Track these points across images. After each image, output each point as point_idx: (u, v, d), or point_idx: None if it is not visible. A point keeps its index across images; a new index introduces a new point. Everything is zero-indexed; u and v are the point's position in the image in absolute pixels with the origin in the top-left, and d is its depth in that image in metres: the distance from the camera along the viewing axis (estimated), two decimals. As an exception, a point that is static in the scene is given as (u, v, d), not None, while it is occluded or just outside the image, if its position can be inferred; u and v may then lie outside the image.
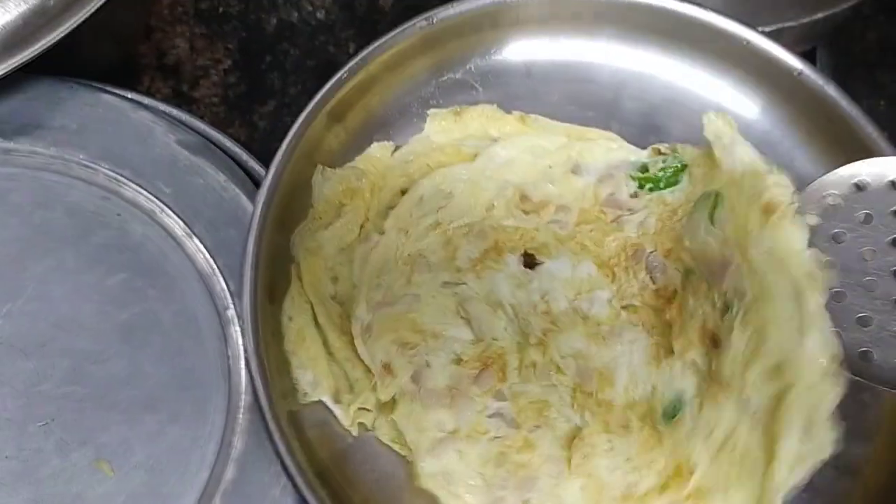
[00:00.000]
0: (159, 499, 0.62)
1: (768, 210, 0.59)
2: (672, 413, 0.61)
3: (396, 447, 0.62)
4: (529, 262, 0.65)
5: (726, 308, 0.60)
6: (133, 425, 0.63)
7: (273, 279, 0.63)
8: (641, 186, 0.68)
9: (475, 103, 0.72)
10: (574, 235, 0.66)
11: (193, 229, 0.68)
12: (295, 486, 0.56)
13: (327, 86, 0.66)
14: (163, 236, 0.68)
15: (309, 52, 0.93)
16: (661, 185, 0.68)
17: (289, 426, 0.58)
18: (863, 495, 0.61)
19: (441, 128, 0.71)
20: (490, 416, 0.61)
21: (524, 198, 0.67)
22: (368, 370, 0.62)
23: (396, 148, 0.70)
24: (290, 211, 0.65)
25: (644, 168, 0.69)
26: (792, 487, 0.54)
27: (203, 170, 0.69)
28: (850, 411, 0.55)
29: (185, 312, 0.67)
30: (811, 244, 0.58)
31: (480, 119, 0.71)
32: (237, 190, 0.69)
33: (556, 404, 0.61)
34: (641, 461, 0.60)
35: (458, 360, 0.62)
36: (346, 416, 0.61)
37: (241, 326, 0.57)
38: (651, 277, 0.65)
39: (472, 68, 0.73)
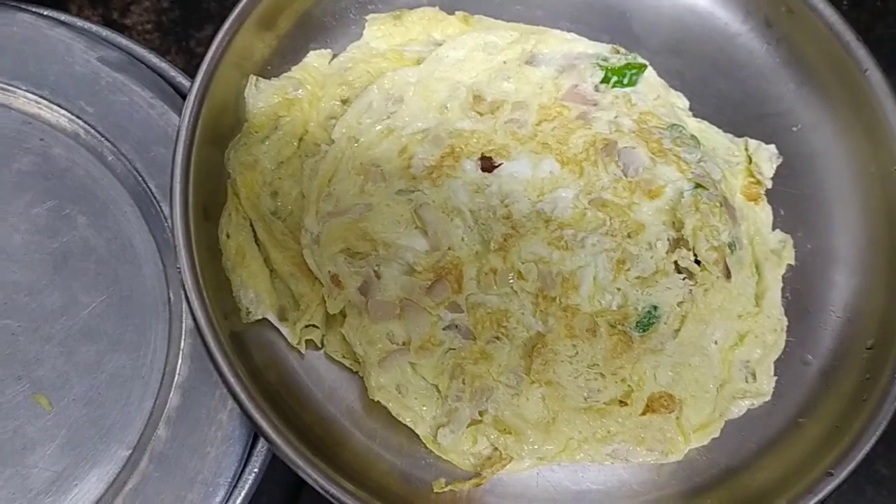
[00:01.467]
0: (102, 430, 0.59)
1: (750, 196, 0.64)
2: (647, 323, 0.59)
3: (348, 363, 0.59)
4: (487, 165, 0.62)
5: (732, 246, 0.61)
6: (70, 357, 0.60)
7: (207, 196, 0.59)
8: (606, 80, 0.65)
9: (416, 6, 0.68)
10: (535, 135, 0.63)
11: (121, 150, 0.64)
12: (243, 409, 0.54)
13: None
14: (90, 159, 0.64)
15: (245, -28, 0.88)
16: (625, 81, 0.65)
17: (232, 348, 0.55)
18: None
19: (381, 33, 0.67)
20: (445, 328, 0.59)
21: (478, 98, 0.64)
22: (315, 285, 0.59)
23: (334, 56, 0.67)
24: (222, 125, 0.61)
25: (605, 60, 0.66)
26: (735, 415, 0.60)
27: (128, 87, 0.65)
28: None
29: (119, 238, 0.63)
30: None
31: (422, 22, 0.67)
32: (165, 107, 0.65)
33: (515, 313, 0.59)
34: (607, 367, 0.58)
35: (411, 271, 0.59)
36: (292, 334, 0.59)
37: (173, 245, 0.54)
38: (623, 171, 0.62)
39: (412, -32, 0.69)
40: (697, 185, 0.62)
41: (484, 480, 0.57)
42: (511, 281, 0.59)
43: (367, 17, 0.67)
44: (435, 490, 0.56)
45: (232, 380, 0.53)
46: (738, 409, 0.60)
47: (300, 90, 0.64)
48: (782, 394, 0.61)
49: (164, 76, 0.68)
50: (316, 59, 0.66)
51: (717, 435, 0.59)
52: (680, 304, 0.60)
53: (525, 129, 0.63)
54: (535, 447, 0.56)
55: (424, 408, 0.58)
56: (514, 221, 0.60)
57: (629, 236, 0.61)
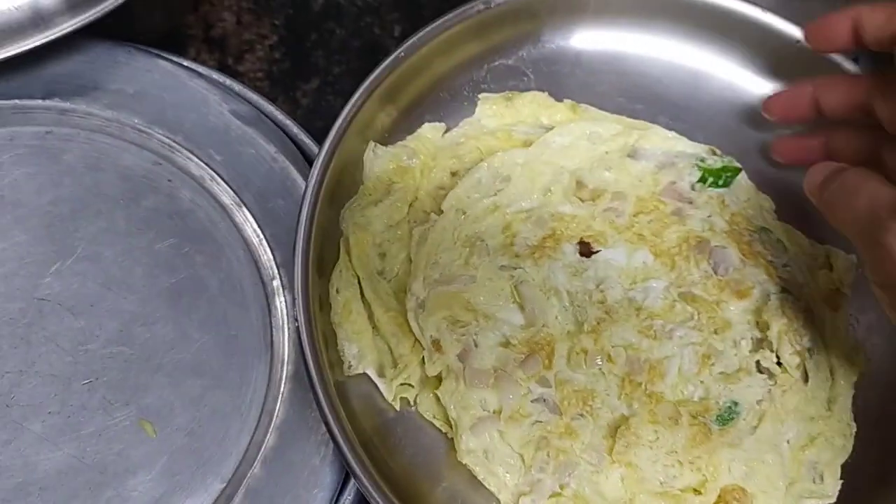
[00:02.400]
0: (200, 461, 0.62)
1: (832, 304, 0.65)
2: (726, 417, 0.62)
3: (438, 423, 0.62)
4: (586, 250, 0.66)
5: (811, 351, 0.63)
6: (177, 388, 0.64)
7: (322, 253, 0.63)
8: (703, 180, 0.68)
9: (525, 90, 0.73)
10: (631, 225, 0.66)
11: (242, 198, 0.69)
12: (340, 452, 0.57)
13: (383, 64, 0.66)
14: (212, 204, 0.69)
15: (354, 33, 0.94)
16: (720, 182, 0.68)
17: (335, 396, 0.59)
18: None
19: (492, 112, 0.71)
20: (533, 401, 0.62)
21: (580, 185, 0.68)
22: (413, 346, 0.63)
23: (447, 130, 0.71)
24: (340, 186, 0.66)
25: (703, 161, 0.69)
26: None
27: (254, 140, 0.70)
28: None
29: (230, 280, 0.68)
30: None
31: (531, 105, 0.72)
32: (287, 162, 0.70)
33: (601, 394, 0.62)
34: (685, 456, 0.61)
35: (507, 343, 0.62)
36: (389, 390, 0.62)
37: (292, 297, 0.58)
38: (714, 269, 0.65)
39: (524, 55, 0.73)
40: (783, 290, 0.65)
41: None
42: (599, 363, 0.62)
43: (480, 97, 0.72)
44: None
45: (334, 424, 0.57)
46: None
47: (414, 159, 0.68)
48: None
49: (288, 133, 0.73)
50: (430, 131, 0.70)
51: None
52: (759, 402, 0.62)
53: (622, 218, 0.67)
54: None
55: (508, 475, 0.60)
56: (607, 307, 0.64)
57: (715, 332, 0.64)
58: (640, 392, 0.62)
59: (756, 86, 0.73)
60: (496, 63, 0.73)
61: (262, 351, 0.66)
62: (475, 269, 0.64)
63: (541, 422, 0.61)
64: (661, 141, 0.70)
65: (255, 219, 0.69)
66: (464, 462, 0.60)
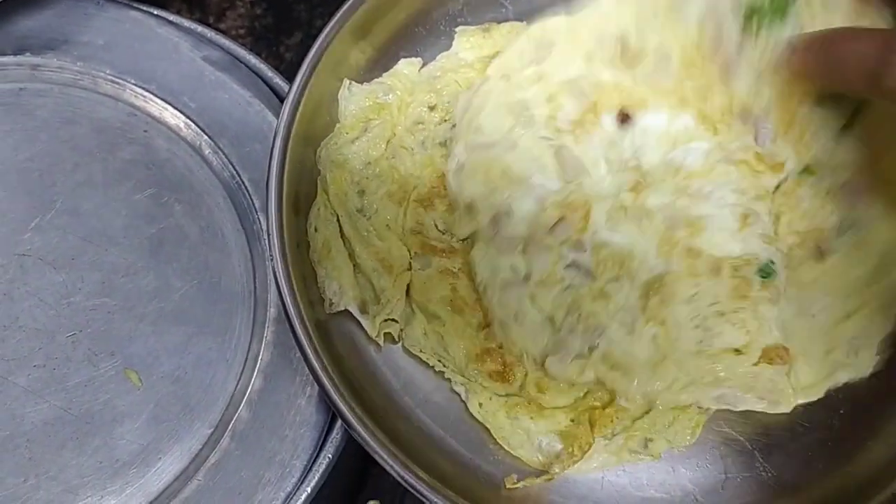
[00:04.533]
0: (186, 408, 0.62)
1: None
2: (767, 272, 0.60)
3: (425, 357, 0.61)
4: (624, 119, 0.64)
5: (839, 229, 0.61)
6: (161, 337, 0.64)
7: (298, 192, 0.62)
8: (749, 18, 0.60)
9: (504, 21, 0.71)
10: (675, 89, 0.63)
11: (219, 144, 0.68)
12: (324, 391, 0.56)
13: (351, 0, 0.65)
14: (189, 152, 0.68)
15: (336, -16, 0.92)
16: (770, 18, 0.60)
17: (317, 335, 0.58)
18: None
19: (470, 45, 0.69)
20: (566, 267, 0.60)
21: (624, 48, 0.64)
22: (396, 280, 0.62)
23: (424, 65, 0.69)
24: (315, 125, 0.64)
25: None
26: (833, 385, 0.60)
27: (228, 85, 0.69)
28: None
29: (211, 227, 0.67)
30: None
31: (510, 36, 0.69)
32: (262, 105, 0.69)
33: (639, 255, 0.60)
34: (728, 306, 0.59)
35: (541, 210, 0.61)
36: (372, 327, 0.61)
37: (267, 237, 0.57)
38: (756, 140, 0.62)
39: (502, -15, 0.71)
40: (804, 170, 0.62)
41: (553, 476, 0.59)
42: (641, 219, 0.61)
43: (457, 30, 0.70)
44: (507, 486, 0.58)
45: (315, 364, 0.56)
46: (839, 379, 0.60)
47: (390, 95, 0.67)
48: (851, 417, 0.62)
49: (263, 77, 0.71)
50: (406, 67, 0.69)
51: (820, 395, 0.59)
52: (785, 268, 0.61)
53: (667, 81, 0.63)
54: (642, 385, 0.58)
55: (535, 335, 0.59)
56: (643, 171, 0.62)
57: (756, 198, 0.62)
58: (680, 248, 0.60)
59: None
60: (473, -3, 0.71)
61: (245, 296, 0.65)
62: (518, 138, 0.63)
63: (573, 286, 0.60)
64: None
65: (232, 164, 0.68)
66: (492, 323, 0.60)
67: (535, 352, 0.60)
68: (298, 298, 0.57)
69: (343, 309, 0.61)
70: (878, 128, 0.60)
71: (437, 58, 0.69)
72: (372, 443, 0.54)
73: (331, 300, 0.61)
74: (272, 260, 0.58)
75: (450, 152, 0.64)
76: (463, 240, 0.64)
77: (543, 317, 0.60)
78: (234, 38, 0.90)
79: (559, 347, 0.59)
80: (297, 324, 0.57)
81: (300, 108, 0.62)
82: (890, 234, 0.61)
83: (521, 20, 0.70)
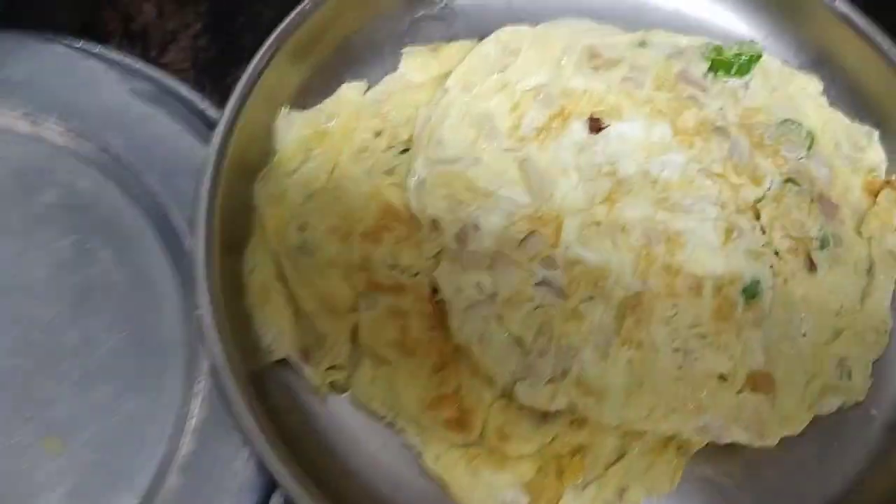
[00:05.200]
0: (112, 477, 0.55)
1: (872, 191, 0.62)
2: (752, 291, 0.57)
3: (375, 406, 0.55)
4: (595, 126, 0.61)
5: (824, 241, 0.60)
6: (84, 397, 0.57)
7: (233, 230, 0.57)
8: (713, 69, 0.64)
9: (452, 39, 0.66)
10: (651, 99, 0.62)
11: (148, 183, 0.62)
12: (259, 454, 0.50)
13: (287, 19, 0.60)
14: (116, 192, 0.62)
15: (284, 12, 0.88)
16: (733, 70, 0.64)
17: (251, 389, 0.52)
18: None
19: (417, 65, 0.65)
20: (536, 284, 0.56)
21: (594, 55, 0.63)
22: (340, 323, 0.56)
23: (369, 88, 0.64)
24: (250, 156, 0.59)
25: (719, 51, 0.64)
26: (825, 411, 0.57)
27: (158, 118, 0.63)
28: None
29: (141, 273, 0.61)
30: None
31: (459, 55, 0.65)
32: (195, 139, 0.63)
33: (614, 272, 0.56)
34: (710, 328, 0.56)
35: (510, 224, 0.58)
36: (315, 375, 0.55)
37: (193, 282, 0.51)
38: (730, 154, 0.61)
39: (449, 3, 0.67)
40: (788, 180, 0.61)
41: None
42: (613, 235, 0.58)
43: (403, 51, 0.65)
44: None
45: (249, 422, 0.50)
46: (830, 405, 0.57)
47: (332, 122, 0.62)
48: (845, 450, 0.57)
49: (196, 108, 0.66)
50: (349, 91, 0.64)
51: (804, 426, 0.56)
52: (771, 287, 0.58)
53: (641, 90, 0.62)
54: (617, 411, 0.54)
55: (502, 359, 0.55)
56: (619, 179, 0.59)
57: (738, 211, 0.60)
58: (658, 266, 0.57)
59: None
60: (419, 14, 0.66)
61: (177, 348, 0.59)
62: (481, 152, 0.60)
63: (543, 305, 0.56)
64: (666, 36, 0.65)
65: (163, 203, 0.62)
66: (459, 343, 0.55)
67: (503, 377, 0.55)
68: (229, 347, 0.52)
69: (282, 357, 0.55)
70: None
71: (383, 80, 0.65)
72: (313, 509, 0.48)
73: (269, 348, 0.55)
74: (199, 308, 0.52)
75: (409, 168, 0.60)
76: (414, 275, 0.58)
77: (511, 338, 0.56)
78: (178, 73, 0.86)
79: (529, 371, 0.55)
80: (227, 378, 0.51)
81: (233, 139, 0.57)
82: (862, 250, 0.60)
83: (473, 38, 0.66)
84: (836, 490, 0.56)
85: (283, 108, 0.61)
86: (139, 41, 0.87)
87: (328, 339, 0.56)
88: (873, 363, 0.58)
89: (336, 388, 0.56)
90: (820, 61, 0.66)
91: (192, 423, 0.56)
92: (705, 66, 0.64)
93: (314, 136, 0.61)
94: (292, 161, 0.60)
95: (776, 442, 0.55)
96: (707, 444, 0.55)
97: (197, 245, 0.53)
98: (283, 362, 0.55)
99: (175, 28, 0.87)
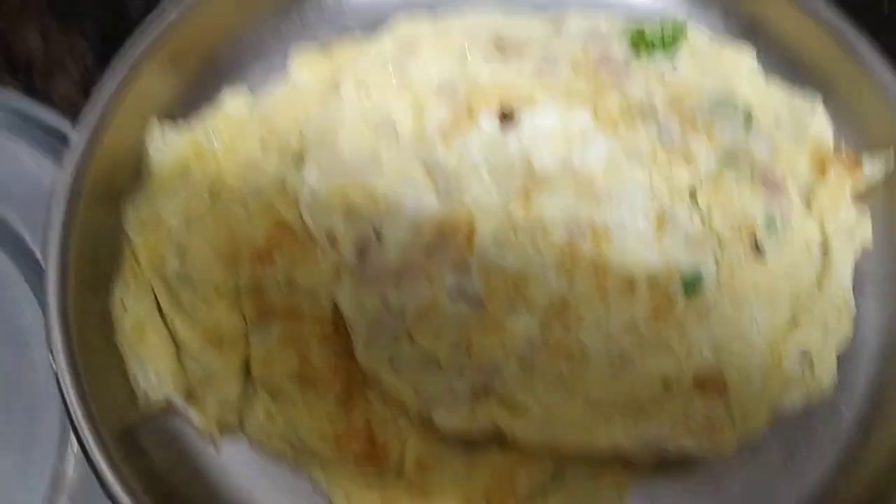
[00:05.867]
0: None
1: (820, 164, 0.56)
2: (693, 285, 0.52)
3: (273, 445, 0.49)
4: (507, 119, 0.55)
5: (769, 222, 0.54)
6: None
7: (97, 264, 0.50)
8: (635, 46, 0.58)
9: (344, 32, 0.60)
10: (568, 86, 0.56)
11: (5, 216, 0.55)
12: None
13: (155, 18, 0.54)
14: (-28, 233, 0.56)
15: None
16: (657, 49, 0.58)
17: (122, 449, 0.46)
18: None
19: (307, 67, 0.58)
20: (450, 297, 0.50)
21: (502, 43, 0.57)
22: (230, 360, 0.50)
23: (253, 96, 0.58)
24: (116, 180, 0.53)
25: (640, 30, 0.59)
26: (788, 410, 0.52)
27: (9, 148, 0.57)
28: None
29: (4, 316, 0.54)
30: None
31: (353, 52, 0.59)
32: (55, 165, 0.57)
33: (536, 277, 0.51)
34: (647, 330, 0.50)
35: (417, 233, 0.52)
36: (202, 418, 0.48)
37: (45, 329, 0.45)
38: (659, 138, 0.56)
39: (341, -4, 0.61)
40: (725, 161, 0.55)
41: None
42: (533, 237, 0.52)
43: (290, 51, 0.59)
44: None
45: (117, 491, 0.43)
46: (792, 403, 0.52)
47: (213, 137, 0.56)
48: (813, 453, 0.52)
49: (56, 130, 0.59)
50: (231, 101, 0.57)
51: (764, 429, 0.51)
52: (715, 278, 0.53)
53: (555, 78, 0.56)
54: (546, 428, 0.48)
55: (417, 383, 0.49)
56: (536, 174, 0.53)
57: (670, 198, 0.54)
58: (584, 265, 0.51)
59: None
60: (306, 7, 0.60)
61: (49, 400, 0.52)
62: (381, 157, 0.54)
63: (460, 318, 0.50)
64: (582, 18, 0.60)
65: (23, 236, 0.55)
66: (366, 367, 0.49)
67: (418, 403, 0.49)
68: (95, 402, 0.45)
69: (161, 402, 0.48)
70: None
71: (269, 85, 0.58)
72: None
73: (146, 394, 0.48)
74: (52, 354, 0.45)
75: (302, 180, 0.54)
76: (313, 296, 0.52)
77: (425, 358, 0.50)
78: (69, 106, 0.79)
79: (446, 394, 0.49)
80: (89, 438, 0.44)
81: (93, 159, 0.50)
82: (814, 228, 0.55)
83: (365, 31, 0.60)
84: (805, 497, 0.51)
85: (154, 124, 0.55)
86: (22, 71, 0.80)
87: (216, 376, 0.49)
88: (838, 353, 0.53)
89: (228, 429, 0.49)
90: (751, 29, 0.61)
91: (67, 483, 0.50)
92: (627, 46, 0.59)
93: (192, 152, 0.55)
94: (168, 182, 0.54)
95: (733, 449, 0.49)
96: (658, 459, 0.49)
97: (50, 281, 0.46)
98: (165, 411, 0.48)
99: (62, 56, 0.80)
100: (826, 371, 0.52)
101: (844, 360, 0.53)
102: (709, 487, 0.51)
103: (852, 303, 0.54)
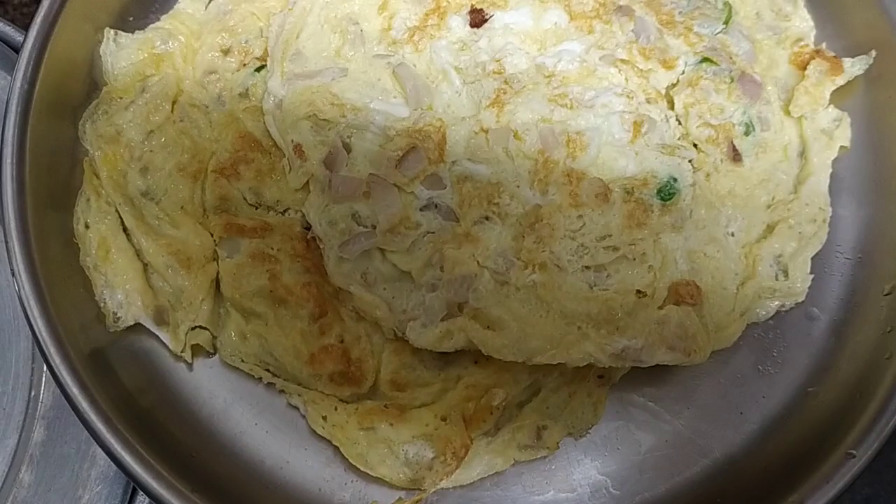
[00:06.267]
0: (-45, 479, 0.48)
1: (800, 63, 0.54)
2: (669, 192, 0.50)
3: (247, 367, 0.48)
4: (477, 19, 0.53)
5: (747, 126, 0.53)
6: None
7: (56, 180, 0.48)
8: None
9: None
10: None
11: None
12: (101, 443, 0.43)
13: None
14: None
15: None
16: None
17: (93, 369, 0.44)
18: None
19: (266, -35, 0.55)
20: (422, 209, 0.49)
21: None
22: (198, 277, 0.48)
23: (211, -1, 0.55)
24: (71, 91, 0.50)
25: None
26: (761, 317, 0.51)
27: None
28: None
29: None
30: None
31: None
32: (6, 76, 0.54)
33: (510, 186, 0.49)
34: (622, 239, 0.49)
35: (387, 142, 0.50)
36: (174, 340, 0.48)
37: (7, 249, 0.43)
38: (636, 37, 0.53)
39: None
40: (704, 59, 0.53)
41: (426, 494, 0.47)
42: (506, 143, 0.50)
43: (248, -51, 0.55)
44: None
45: (87, 412, 0.42)
46: (766, 310, 0.51)
47: (171, 42, 0.53)
48: (786, 359, 0.51)
49: (11, 43, 0.56)
50: (189, 5, 0.54)
51: (737, 337, 0.50)
52: (692, 185, 0.51)
53: None
54: (521, 343, 0.47)
55: (389, 298, 0.48)
56: (507, 77, 0.51)
57: (648, 101, 0.52)
58: (558, 173, 0.49)
59: None
60: None
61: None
62: (347, 62, 0.52)
63: (432, 232, 0.49)
64: None
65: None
66: (337, 285, 0.48)
67: (391, 320, 0.48)
68: (62, 323, 0.44)
69: (131, 323, 0.47)
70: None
71: (226, -14, 0.55)
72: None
73: (115, 314, 0.47)
74: (14, 274, 0.43)
75: (264, 89, 0.52)
76: (282, 212, 0.51)
77: (397, 273, 0.49)
78: (18, 8, 0.74)
79: (420, 310, 0.48)
80: (56, 360, 0.43)
81: (43, 70, 0.48)
82: (792, 131, 0.54)
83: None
84: (779, 403, 0.51)
85: (107, 31, 0.52)
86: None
87: (186, 297, 0.48)
88: (812, 258, 0.52)
89: (201, 351, 0.49)
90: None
91: (41, 408, 0.49)
92: None
93: (150, 60, 0.52)
94: (126, 93, 0.51)
95: (706, 358, 0.49)
96: (633, 369, 0.49)
97: (6, 201, 0.45)
98: (135, 330, 0.47)
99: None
100: (800, 276, 0.52)
101: (819, 264, 0.52)
102: (682, 395, 0.51)
103: (829, 210, 0.53)
